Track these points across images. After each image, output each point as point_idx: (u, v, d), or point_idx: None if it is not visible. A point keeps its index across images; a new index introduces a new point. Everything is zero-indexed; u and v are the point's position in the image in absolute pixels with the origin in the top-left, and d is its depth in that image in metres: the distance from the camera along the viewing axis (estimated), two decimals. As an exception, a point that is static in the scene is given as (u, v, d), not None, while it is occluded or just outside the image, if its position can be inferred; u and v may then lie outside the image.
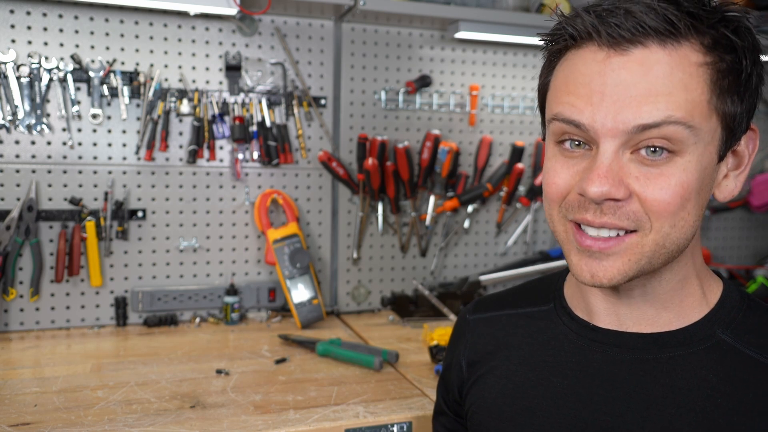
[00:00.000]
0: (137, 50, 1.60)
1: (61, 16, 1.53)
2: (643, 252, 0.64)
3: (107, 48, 1.58)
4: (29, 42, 1.52)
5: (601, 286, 0.66)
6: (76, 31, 1.55)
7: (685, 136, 0.61)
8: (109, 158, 1.60)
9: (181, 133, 1.66)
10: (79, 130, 1.58)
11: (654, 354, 0.70)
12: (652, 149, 0.62)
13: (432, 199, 1.88)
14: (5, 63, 1.49)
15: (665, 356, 0.69)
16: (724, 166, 0.68)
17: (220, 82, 1.68)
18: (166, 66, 1.63)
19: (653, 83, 0.60)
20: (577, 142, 0.66)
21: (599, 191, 0.61)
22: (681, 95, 0.60)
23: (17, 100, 1.51)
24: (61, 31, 1.54)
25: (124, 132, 1.61)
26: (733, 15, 0.62)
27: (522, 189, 1.96)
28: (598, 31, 0.62)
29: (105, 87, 1.58)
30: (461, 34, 1.73)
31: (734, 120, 0.64)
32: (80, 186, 1.59)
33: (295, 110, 1.73)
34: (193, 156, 1.64)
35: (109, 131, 1.60)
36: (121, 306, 1.62)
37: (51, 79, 1.53)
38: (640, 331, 0.71)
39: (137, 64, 1.60)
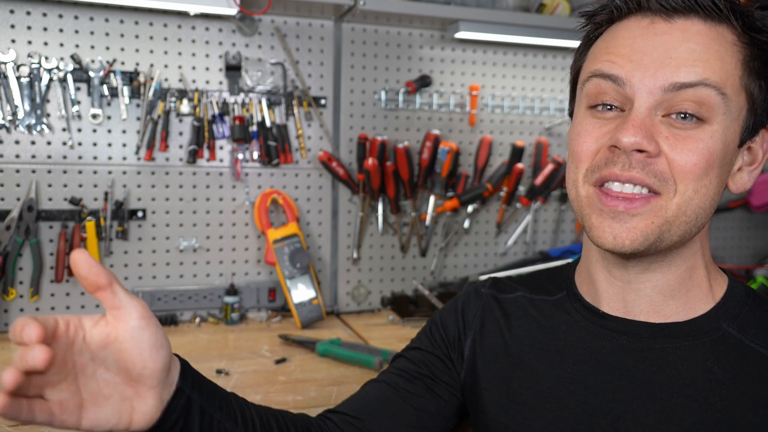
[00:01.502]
0: (137, 50, 1.60)
1: (61, 16, 1.53)
2: (666, 216, 0.65)
3: (107, 48, 1.58)
4: (29, 42, 1.52)
5: (622, 249, 0.66)
6: (76, 31, 1.55)
7: (716, 103, 0.64)
8: (109, 158, 1.60)
9: (181, 133, 1.66)
10: (79, 130, 1.58)
11: (661, 344, 0.70)
12: (683, 115, 0.64)
13: (432, 199, 1.88)
14: (5, 63, 1.49)
15: (672, 346, 0.70)
16: (740, 158, 0.70)
17: (220, 82, 1.68)
18: (166, 66, 1.63)
19: (693, 49, 0.64)
20: (609, 106, 0.68)
21: (633, 140, 0.63)
22: (717, 64, 0.64)
23: (17, 100, 1.51)
24: (61, 31, 1.54)
25: (124, 132, 1.61)
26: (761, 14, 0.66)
27: (522, 189, 1.96)
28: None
29: (105, 87, 1.58)
30: (461, 34, 1.74)
31: (759, 105, 0.67)
32: (80, 186, 1.59)
33: (295, 110, 1.73)
34: (193, 156, 1.64)
35: (109, 131, 1.60)
36: (121, 306, 1.62)
37: (51, 79, 1.53)
38: (648, 320, 0.72)
39: (137, 64, 1.60)
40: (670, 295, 0.72)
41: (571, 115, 0.78)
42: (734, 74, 0.65)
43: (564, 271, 0.85)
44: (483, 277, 1.81)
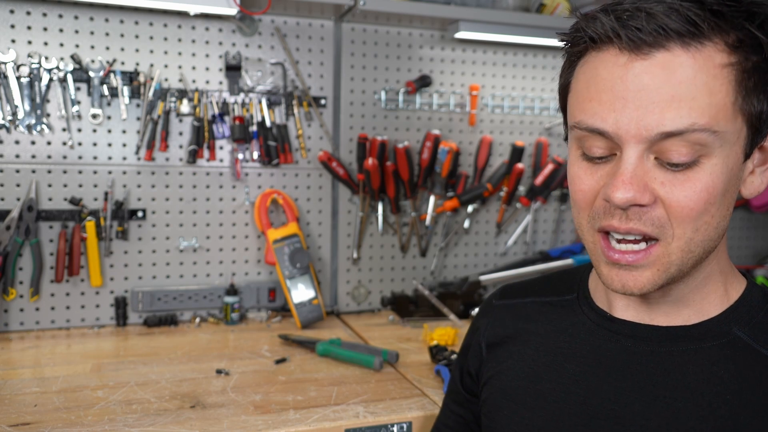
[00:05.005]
0: (137, 50, 1.60)
1: (61, 16, 1.53)
2: (671, 261, 0.64)
3: (107, 48, 1.58)
4: (29, 42, 1.52)
5: (632, 294, 0.67)
6: (76, 31, 1.55)
7: (709, 141, 0.60)
8: (109, 158, 1.60)
9: (181, 133, 1.66)
10: (79, 130, 1.58)
11: (667, 347, 0.70)
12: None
13: (432, 199, 1.87)
14: (5, 63, 1.49)
15: (678, 350, 0.69)
16: (750, 163, 0.67)
17: (220, 82, 1.68)
18: (166, 66, 1.63)
19: (676, 88, 0.59)
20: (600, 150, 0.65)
21: (624, 198, 0.61)
22: (705, 99, 0.59)
23: (17, 100, 1.51)
24: (61, 31, 1.54)
25: (124, 132, 1.61)
26: (760, 9, 0.60)
27: (522, 189, 1.96)
28: (618, 34, 0.60)
29: (105, 87, 1.58)
30: (461, 34, 1.74)
31: (760, 118, 0.63)
32: (80, 186, 1.59)
33: (295, 110, 1.73)
34: (193, 156, 1.64)
35: (109, 131, 1.60)
36: (121, 306, 1.62)
37: (51, 79, 1.53)
38: (656, 324, 0.72)
39: (137, 64, 1.60)
40: (684, 305, 0.71)
41: (566, 140, 0.76)
42: (726, 103, 0.60)
43: (579, 273, 0.85)
44: (483, 278, 1.81)
